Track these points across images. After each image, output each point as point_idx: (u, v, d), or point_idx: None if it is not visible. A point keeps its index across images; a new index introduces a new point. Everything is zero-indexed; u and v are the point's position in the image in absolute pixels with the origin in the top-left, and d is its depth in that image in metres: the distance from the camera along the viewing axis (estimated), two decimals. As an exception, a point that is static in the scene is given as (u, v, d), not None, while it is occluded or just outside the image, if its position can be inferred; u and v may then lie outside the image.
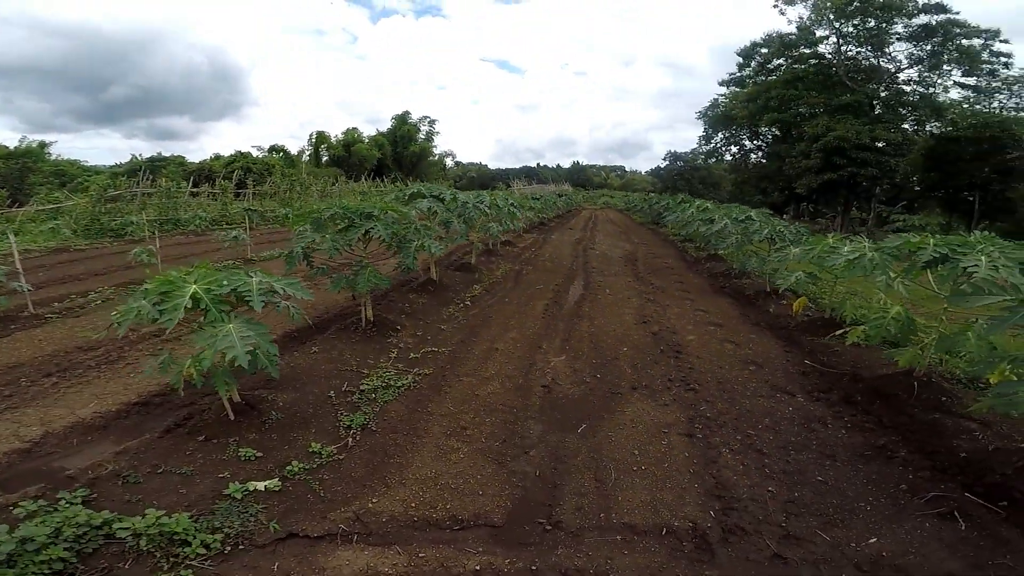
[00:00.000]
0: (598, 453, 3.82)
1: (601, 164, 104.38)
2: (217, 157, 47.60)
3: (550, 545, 2.87)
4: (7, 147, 34.48)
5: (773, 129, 36.96)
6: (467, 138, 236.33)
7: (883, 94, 30.58)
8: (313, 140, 51.95)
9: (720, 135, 40.36)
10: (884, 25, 29.13)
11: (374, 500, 3.19)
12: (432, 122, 57.87)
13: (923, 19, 28.55)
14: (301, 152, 54.22)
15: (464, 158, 69.79)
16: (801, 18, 32.23)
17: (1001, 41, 28.06)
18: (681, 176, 57.29)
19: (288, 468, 3.43)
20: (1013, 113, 28.93)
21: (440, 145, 61.14)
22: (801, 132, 30.53)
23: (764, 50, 35.01)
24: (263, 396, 4.36)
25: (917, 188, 31.12)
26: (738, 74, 37.56)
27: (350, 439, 3.88)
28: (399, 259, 6.66)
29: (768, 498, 3.31)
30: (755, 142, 38.91)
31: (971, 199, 30.74)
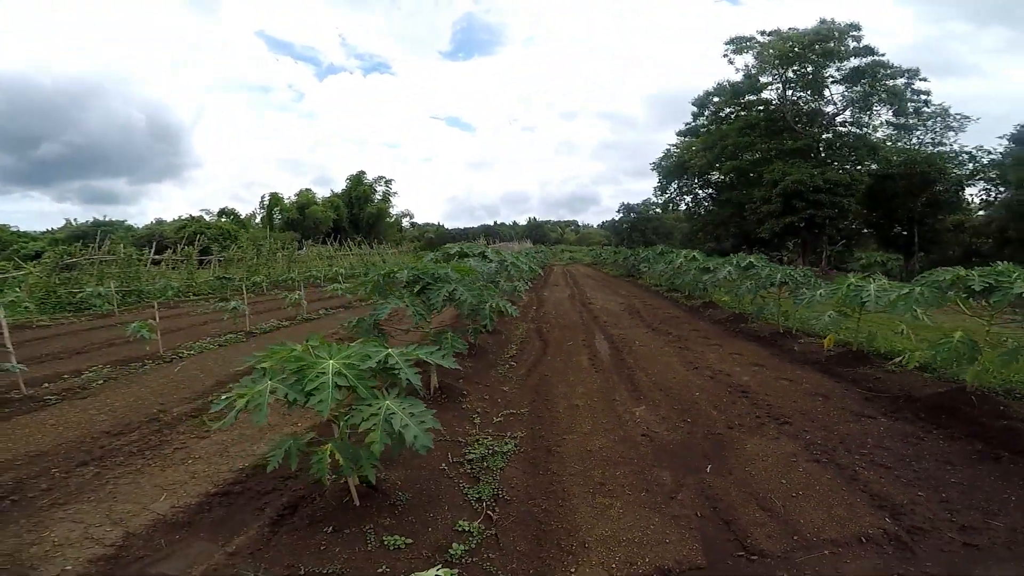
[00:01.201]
0: (747, 487, 3.88)
1: (555, 220, 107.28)
2: (160, 222, 45.62)
3: (767, 572, 2.92)
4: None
5: (722, 176, 38.97)
6: (420, 197, 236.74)
7: (825, 136, 32.80)
8: (266, 203, 50.56)
9: (674, 184, 42.11)
10: (820, 70, 31.42)
11: (572, 570, 2.97)
12: (388, 182, 57.58)
13: (854, 62, 31.07)
14: (252, 215, 52.77)
15: (419, 218, 69.50)
16: (747, 66, 34.54)
17: (920, 79, 30.97)
18: (635, 227, 59.28)
19: (450, 552, 3.03)
20: (930, 148, 31.96)
21: (397, 205, 60.88)
22: (759, 177, 32.08)
23: (716, 99, 36.98)
24: (378, 477, 3.78)
25: (852, 226, 33.37)
26: (692, 123, 39.65)
27: (490, 512, 3.52)
28: (466, 321, 6.28)
29: (923, 501, 3.58)
30: (707, 190, 40.82)
31: (904, 233, 33.32)
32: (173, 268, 21.33)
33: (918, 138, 32.95)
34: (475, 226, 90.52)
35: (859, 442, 4.59)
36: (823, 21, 31.63)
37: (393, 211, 59.64)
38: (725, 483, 3.94)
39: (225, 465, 4.30)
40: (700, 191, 41.38)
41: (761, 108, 35.05)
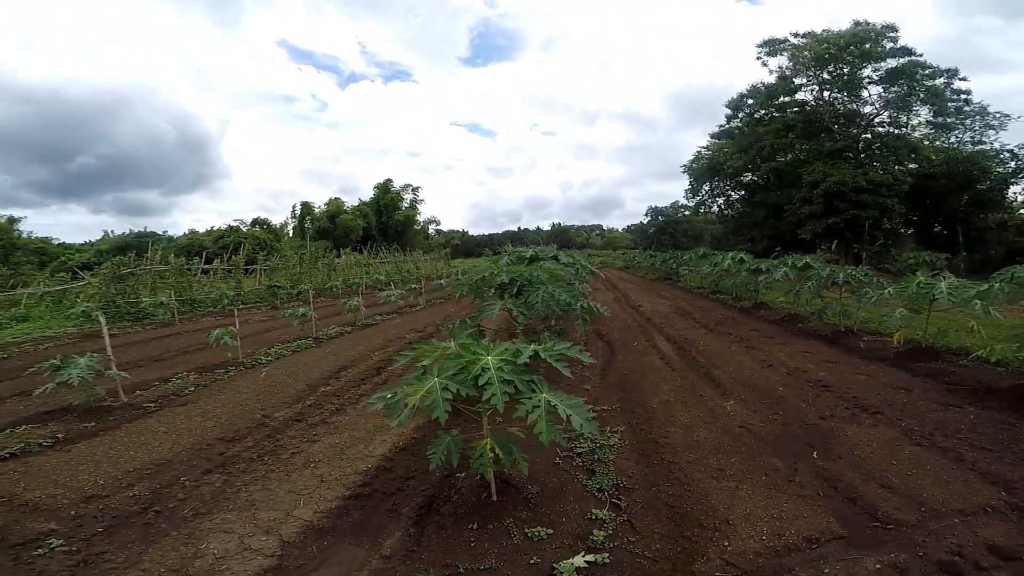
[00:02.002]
0: (859, 468, 4.03)
1: (578, 224, 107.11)
2: (195, 232, 46.70)
3: (905, 539, 3.08)
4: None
5: (755, 178, 38.52)
6: (443, 205, 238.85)
7: (864, 137, 32.20)
8: (298, 212, 51.62)
9: (706, 187, 41.74)
10: (857, 71, 30.86)
11: (725, 543, 3.10)
12: (416, 189, 58.49)
13: (891, 63, 30.45)
14: (284, 225, 53.85)
15: (443, 226, 69.93)
16: (781, 68, 34.11)
17: (960, 79, 30.25)
18: (663, 231, 58.76)
19: (591, 538, 3.16)
20: (970, 147, 31.19)
21: (423, 212, 61.53)
22: (798, 178, 31.56)
23: (750, 101, 36.59)
24: (506, 472, 3.82)
25: (892, 226, 32.65)
26: (726, 125, 39.31)
27: (615, 500, 3.67)
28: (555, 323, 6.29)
29: (1037, 477, 3.71)
30: (740, 192, 40.28)
31: (945, 233, 32.46)
32: (220, 277, 21.77)
33: (956, 136, 32.37)
34: (500, 232, 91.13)
35: (953, 428, 4.73)
36: (857, 23, 31.18)
37: (420, 218, 60.29)
38: (837, 466, 4.08)
39: (348, 467, 4.35)
40: (733, 193, 40.88)
41: (796, 109, 34.63)
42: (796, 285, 11.46)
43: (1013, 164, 30.40)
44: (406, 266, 34.32)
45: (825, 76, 32.07)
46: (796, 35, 33.29)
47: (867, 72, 31.35)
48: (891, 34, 30.42)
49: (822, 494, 3.67)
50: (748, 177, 38.73)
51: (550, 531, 3.21)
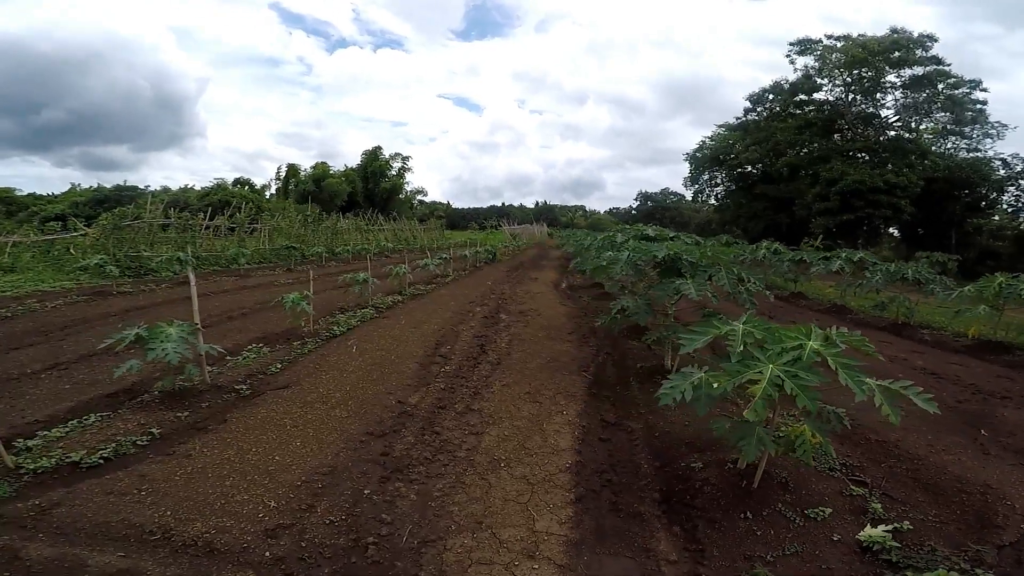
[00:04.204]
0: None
1: (558, 203, 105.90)
2: (166, 189, 43.79)
3: None
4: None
5: (754, 170, 38.54)
6: (424, 176, 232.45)
7: (882, 139, 32.54)
8: (282, 174, 49.12)
9: (706, 176, 41.50)
10: (881, 75, 31.12)
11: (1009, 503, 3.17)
12: (405, 158, 56.64)
13: (917, 70, 30.69)
14: (266, 186, 51.25)
15: (425, 197, 68.14)
16: (806, 67, 34.10)
17: (981, 90, 30.66)
18: (652, 216, 58.58)
19: (871, 511, 3.07)
20: (964, 153, 31.97)
21: (411, 182, 59.74)
22: (814, 174, 31.69)
23: (771, 96, 36.50)
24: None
25: (896, 225, 33.30)
26: (743, 118, 38.96)
27: (855, 478, 3.53)
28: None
29: None
30: (740, 183, 40.14)
31: (927, 235, 33.29)
32: (224, 236, 19.91)
33: (953, 143, 33.02)
34: (484, 207, 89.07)
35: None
36: (894, 30, 31.32)
37: (408, 188, 58.43)
38: (1017, 440, 4.25)
39: (546, 465, 3.69)
40: (734, 184, 40.69)
41: (812, 108, 34.74)
42: (849, 278, 11.73)
43: (1003, 172, 31.43)
44: (403, 234, 32.84)
45: (848, 78, 32.09)
46: (829, 37, 33.29)
47: (890, 77, 31.66)
48: (927, 43, 30.68)
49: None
50: (749, 169, 38.66)
51: (828, 509, 3.02)
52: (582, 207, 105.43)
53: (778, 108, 35.95)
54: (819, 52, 32.88)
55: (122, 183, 39.22)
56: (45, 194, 44.78)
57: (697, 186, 42.46)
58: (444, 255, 15.35)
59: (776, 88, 36.04)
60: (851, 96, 33.30)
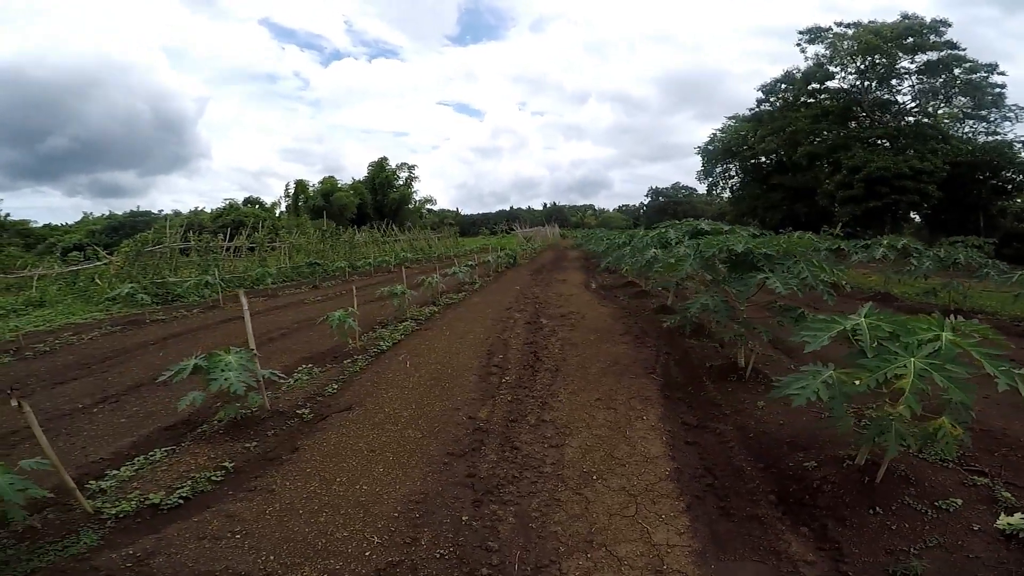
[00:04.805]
0: None
1: (567, 204, 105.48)
2: (177, 214, 44.08)
3: None
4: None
5: (767, 160, 38.10)
6: (429, 185, 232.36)
7: (901, 125, 31.97)
8: (291, 190, 49.38)
9: (719, 168, 41.05)
10: (895, 61, 30.59)
11: None
12: (412, 168, 56.85)
13: (931, 55, 30.07)
14: (275, 204, 51.53)
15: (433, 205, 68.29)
16: (817, 55, 33.50)
17: (999, 73, 29.94)
18: (663, 211, 58.18)
19: (1003, 498, 2.95)
20: (984, 137, 31.40)
21: (419, 191, 59.92)
22: (834, 163, 31.19)
23: (783, 86, 35.96)
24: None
25: (925, 210, 32.69)
26: (757, 109, 38.35)
27: (970, 468, 3.36)
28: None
29: None
30: (754, 174, 39.63)
31: (950, 219, 32.67)
32: (243, 256, 19.84)
33: (971, 127, 32.40)
34: (493, 212, 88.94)
35: None
36: (906, 16, 30.68)
37: (416, 197, 58.54)
38: None
39: (644, 474, 3.51)
40: (748, 175, 40.18)
41: (826, 97, 34.24)
42: (893, 265, 11.69)
43: (1024, 155, 30.89)
44: (419, 244, 32.73)
45: (862, 66, 31.62)
46: (840, 24, 32.74)
47: (904, 63, 31.08)
48: (941, 28, 30.06)
49: None
50: (763, 160, 38.19)
51: (958, 500, 2.91)
52: (591, 206, 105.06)
53: (791, 97, 35.41)
54: (830, 40, 32.35)
55: (135, 209, 39.68)
56: (59, 224, 45.34)
57: (711, 179, 42.08)
58: (470, 263, 15.13)
59: (788, 78, 35.44)
60: (866, 83, 32.75)
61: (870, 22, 31.78)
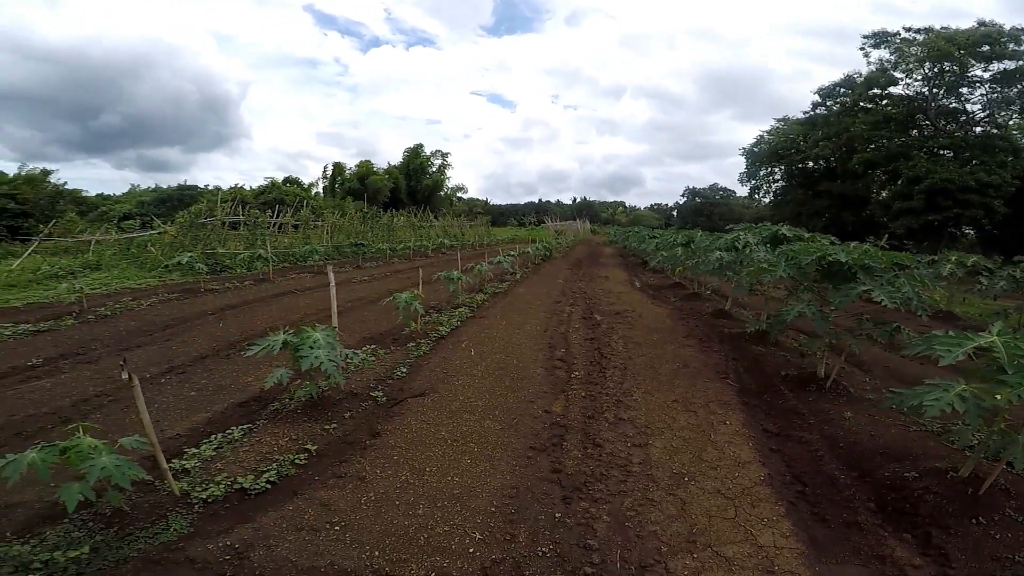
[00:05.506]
0: None
1: (596, 199, 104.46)
2: (218, 188, 45.05)
3: None
4: (6, 174, 31.35)
5: (815, 166, 37.00)
6: (460, 173, 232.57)
7: (968, 135, 30.49)
8: (329, 172, 50.05)
9: (764, 171, 40.02)
10: (965, 69, 29.08)
11: None
12: (445, 155, 57.08)
13: (1007, 64, 28.52)
14: (312, 184, 52.23)
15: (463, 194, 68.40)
16: (881, 60, 32.15)
17: None
18: (700, 212, 57.18)
19: None
20: None
21: (451, 179, 60.17)
22: (893, 172, 29.97)
23: (842, 90, 34.71)
24: None
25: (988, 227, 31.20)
26: (812, 112, 37.11)
27: None
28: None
29: None
30: (800, 179, 38.51)
31: (1015, 237, 31.07)
32: (286, 232, 20.09)
33: None
34: (521, 203, 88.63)
35: None
36: (982, 23, 28.98)
37: (449, 184, 58.77)
38: None
39: (737, 476, 3.43)
40: (794, 180, 39.04)
41: (888, 103, 32.67)
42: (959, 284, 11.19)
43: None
44: (452, 230, 32.79)
45: (929, 72, 30.15)
46: (908, 29, 31.19)
47: (976, 71, 29.42)
48: (1021, 36, 28.25)
49: None
50: (811, 165, 37.02)
51: None
52: (622, 203, 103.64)
53: (850, 102, 33.98)
54: (896, 45, 30.81)
55: (183, 183, 40.63)
56: (110, 195, 46.76)
57: (754, 182, 40.97)
58: (511, 252, 15.02)
59: (848, 81, 34.00)
60: (932, 90, 31.20)
61: (943, 28, 30.14)
